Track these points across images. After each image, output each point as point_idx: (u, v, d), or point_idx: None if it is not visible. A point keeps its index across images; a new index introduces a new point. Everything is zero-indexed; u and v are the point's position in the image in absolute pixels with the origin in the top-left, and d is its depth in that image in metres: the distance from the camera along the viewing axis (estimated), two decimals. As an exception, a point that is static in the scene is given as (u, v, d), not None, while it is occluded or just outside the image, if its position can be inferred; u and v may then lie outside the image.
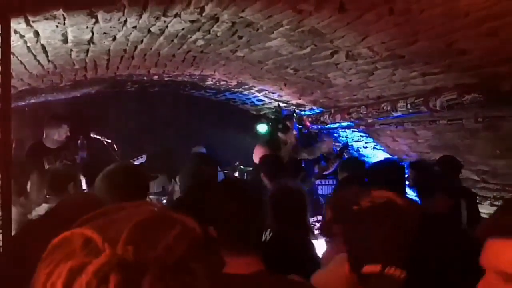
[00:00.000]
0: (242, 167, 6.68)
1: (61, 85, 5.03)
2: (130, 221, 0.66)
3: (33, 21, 2.41)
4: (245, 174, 6.69)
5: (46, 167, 5.05)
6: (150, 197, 5.52)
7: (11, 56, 3.11)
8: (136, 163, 5.62)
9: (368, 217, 1.34)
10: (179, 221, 0.70)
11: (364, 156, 6.52)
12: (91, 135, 5.57)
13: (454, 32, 2.60)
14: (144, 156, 5.75)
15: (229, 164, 6.72)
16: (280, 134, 5.60)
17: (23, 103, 5.65)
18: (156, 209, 0.75)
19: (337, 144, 6.92)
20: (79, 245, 0.63)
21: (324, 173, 5.68)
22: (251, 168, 6.74)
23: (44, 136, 5.25)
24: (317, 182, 5.92)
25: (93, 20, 2.68)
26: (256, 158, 5.13)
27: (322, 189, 6.00)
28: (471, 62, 2.95)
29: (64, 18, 2.51)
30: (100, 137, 5.55)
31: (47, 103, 6.10)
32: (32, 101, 5.73)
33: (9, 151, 2.03)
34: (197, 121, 7.09)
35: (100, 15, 2.59)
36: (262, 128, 7.10)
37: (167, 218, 0.71)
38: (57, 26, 2.64)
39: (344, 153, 6.12)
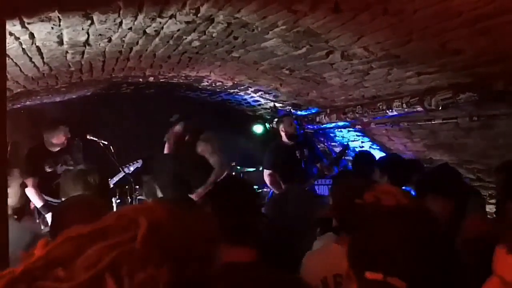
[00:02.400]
0: (238, 167, 6.68)
1: (56, 87, 5.02)
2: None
3: (28, 23, 2.41)
4: (240, 174, 6.70)
5: (48, 170, 5.05)
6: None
7: (6, 58, 3.12)
8: (131, 168, 5.62)
9: (376, 220, 1.30)
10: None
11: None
12: (87, 137, 5.57)
13: (447, 32, 2.62)
14: (140, 161, 5.76)
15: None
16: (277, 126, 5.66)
17: (19, 106, 5.64)
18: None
19: (333, 144, 6.94)
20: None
21: (325, 173, 5.67)
22: (252, 169, 6.75)
23: (45, 139, 5.23)
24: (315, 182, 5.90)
25: (89, 21, 2.69)
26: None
27: (319, 189, 6.00)
28: (465, 61, 2.97)
29: (60, 20, 2.51)
30: (96, 139, 5.54)
31: (43, 106, 6.09)
32: (28, 103, 5.72)
33: (4, 154, 2.03)
34: (193, 121, 7.08)
35: (96, 16, 2.60)
36: (258, 128, 7.13)
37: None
38: (52, 28, 2.64)
39: (344, 155, 6.11)
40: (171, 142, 5.02)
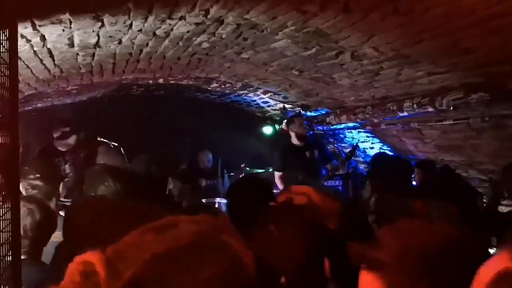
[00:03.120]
0: (248, 168, 6.68)
1: (67, 89, 5.06)
2: (149, 251, 0.60)
3: (39, 26, 2.43)
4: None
5: None
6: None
7: (18, 60, 3.14)
8: None
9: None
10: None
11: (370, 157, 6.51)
12: (98, 138, 5.60)
13: (459, 31, 2.60)
14: None
15: (235, 166, 6.73)
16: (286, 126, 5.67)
17: (30, 108, 5.68)
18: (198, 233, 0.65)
19: (343, 145, 6.92)
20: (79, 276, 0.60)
21: (336, 173, 5.65)
22: (262, 170, 6.75)
23: (54, 139, 5.29)
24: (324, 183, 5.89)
25: (99, 23, 2.70)
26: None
27: (328, 190, 5.97)
28: (476, 61, 2.94)
29: (70, 22, 2.52)
30: (106, 141, 5.57)
31: (54, 107, 6.13)
32: (39, 105, 5.76)
33: (16, 156, 2.04)
34: (203, 123, 7.11)
35: (106, 18, 2.61)
36: (267, 130, 7.13)
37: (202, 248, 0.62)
38: (63, 30, 2.65)
39: (353, 155, 6.10)
40: None
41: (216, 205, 5.52)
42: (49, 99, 5.54)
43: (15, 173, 2.07)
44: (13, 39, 2.04)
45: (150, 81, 5.65)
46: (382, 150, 6.17)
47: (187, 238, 0.64)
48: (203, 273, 0.59)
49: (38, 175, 2.96)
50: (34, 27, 2.43)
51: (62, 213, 2.91)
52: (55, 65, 3.66)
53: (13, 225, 1.99)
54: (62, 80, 4.44)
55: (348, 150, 6.42)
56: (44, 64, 3.54)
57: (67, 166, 5.17)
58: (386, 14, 2.63)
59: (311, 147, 5.51)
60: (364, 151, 6.60)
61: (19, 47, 2.75)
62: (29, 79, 3.89)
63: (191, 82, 5.83)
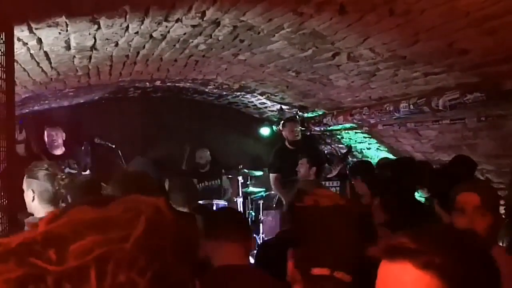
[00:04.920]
0: (245, 170, 6.68)
1: (64, 91, 5.05)
2: None
3: (36, 29, 2.43)
4: (249, 177, 6.70)
5: (47, 173, 5.06)
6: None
7: (15, 63, 3.15)
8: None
9: (315, 218, 1.36)
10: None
11: (368, 157, 6.52)
12: (95, 140, 5.60)
13: (454, 32, 2.61)
14: None
15: (233, 167, 6.74)
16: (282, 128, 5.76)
17: (27, 110, 5.68)
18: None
19: (340, 146, 6.93)
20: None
21: (328, 176, 5.69)
22: (260, 172, 6.77)
23: (45, 140, 5.28)
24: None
25: (96, 26, 2.70)
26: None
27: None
28: (472, 61, 2.96)
29: (67, 25, 2.53)
30: (104, 143, 5.57)
31: (51, 110, 6.13)
32: (36, 108, 5.76)
33: (14, 158, 2.05)
34: (200, 125, 7.11)
35: (102, 21, 2.61)
36: (265, 131, 7.14)
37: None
38: (59, 33, 2.65)
39: (348, 156, 6.14)
40: None
41: (214, 207, 5.52)
42: (46, 101, 5.54)
43: (12, 173, 2.07)
44: (9, 43, 2.05)
45: (147, 83, 5.65)
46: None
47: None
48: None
49: None
50: (30, 30, 2.43)
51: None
52: (51, 67, 3.66)
53: (8, 224, 1.99)
54: (59, 82, 4.44)
55: (344, 151, 6.45)
56: (41, 67, 3.55)
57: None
58: (382, 15, 2.64)
59: (304, 149, 5.56)
60: (361, 152, 6.62)
61: (15, 50, 2.75)
62: (26, 81, 3.90)
63: (188, 84, 5.83)
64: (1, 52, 1.97)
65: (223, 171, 6.65)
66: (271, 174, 5.71)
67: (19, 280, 0.54)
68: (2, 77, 1.99)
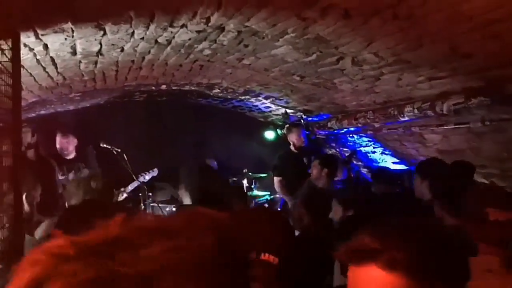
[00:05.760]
0: (250, 173, 6.70)
1: (70, 96, 5.09)
2: None
3: (42, 35, 2.45)
4: (252, 180, 6.71)
5: (60, 178, 5.09)
6: (160, 205, 5.57)
7: (21, 69, 3.17)
8: (147, 177, 5.67)
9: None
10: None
11: (373, 161, 6.52)
12: (101, 145, 5.62)
13: (458, 36, 2.62)
14: (156, 170, 5.82)
15: (238, 171, 6.75)
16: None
17: (33, 115, 5.71)
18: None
19: (345, 150, 6.93)
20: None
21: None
22: (264, 175, 6.78)
23: (57, 147, 5.31)
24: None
25: (101, 32, 2.72)
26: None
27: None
28: (476, 65, 2.96)
29: (73, 31, 2.55)
30: (109, 147, 5.59)
31: (57, 114, 6.17)
32: (42, 112, 5.79)
33: (19, 162, 2.07)
34: (205, 129, 7.14)
35: (108, 27, 2.63)
36: (269, 134, 7.15)
37: None
38: (65, 39, 2.68)
39: (352, 159, 6.15)
40: None
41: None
42: (52, 106, 5.57)
43: (17, 178, 2.09)
44: (16, 49, 2.07)
45: (153, 87, 5.68)
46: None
47: None
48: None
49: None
50: (37, 36, 2.46)
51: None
52: (58, 72, 3.69)
53: (14, 233, 2.01)
54: (65, 87, 4.47)
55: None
56: (47, 72, 3.57)
57: (71, 174, 5.19)
58: (385, 20, 2.65)
59: (309, 153, 5.58)
60: (366, 155, 6.61)
61: (22, 55, 2.78)
62: (32, 86, 3.92)
63: (193, 88, 5.85)
64: (7, 58, 2.00)
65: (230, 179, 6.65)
66: (275, 178, 5.72)
67: (93, 281, 0.55)
68: (9, 83, 2.01)
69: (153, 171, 5.78)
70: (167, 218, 0.69)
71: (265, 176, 6.79)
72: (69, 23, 2.39)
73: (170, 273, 0.58)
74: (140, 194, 5.70)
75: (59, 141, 5.30)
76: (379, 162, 6.39)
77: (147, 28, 2.86)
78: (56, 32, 2.47)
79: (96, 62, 3.66)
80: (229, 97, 6.31)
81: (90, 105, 6.35)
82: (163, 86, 5.63)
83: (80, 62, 3.53)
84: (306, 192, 4.52)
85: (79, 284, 0.55)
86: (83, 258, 0.57)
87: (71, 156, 5.28)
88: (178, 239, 0.62)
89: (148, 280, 0.57)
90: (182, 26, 2.92)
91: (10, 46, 2.01)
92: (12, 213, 2.01)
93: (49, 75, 3.70)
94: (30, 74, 3.45)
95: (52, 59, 3.20)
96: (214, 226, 0.67)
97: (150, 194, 5.60)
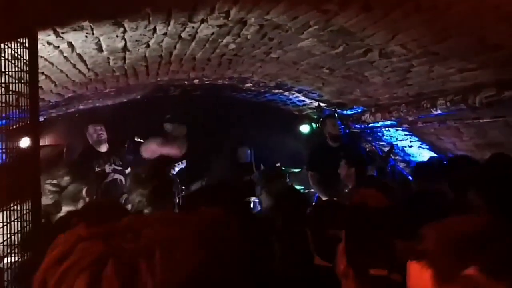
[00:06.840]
0: (283, 167, 6.66)
1: (105, 91, 5.20)
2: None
3: (62, 32, 2.51)
4: (287, 174, 6.67)
5: (97, 170, 5.24)
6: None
7: (51, 66, 3.27)
8: (176, 168, 5.72)
9: (367, 221, 1.36)
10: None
11: (410, 155, 6.35)
12: (135, 139, 5.73)
13: (485, 27, 2.50)
14: (185, 162, 5.86)
15: (271, 165, 6.72)
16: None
17: (72, 110, 5.89)
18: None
19: (381, 144, 6.78)
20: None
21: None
22: (298, 169, 6.73)
23: (92, 139, 5.45)
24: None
25: (121, 29, 2.76)
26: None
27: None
28: (506, 57, 2.82)
29: (92, 28, 2.60)
30: (144, 141, 5.70)
31: (95, 109, 6.33)
32: (81, 107, 5.96)
33: (37, 160, 2.13)
34: (239, 122, 7.14)
35: (126, 24, 2.67)
36: (304, 128, 7.08)
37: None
38: (86, 36, 2.73)
39: (391, 155, 5.96)
40: None
41: (251, 205, 5.53)
42: (90, 100, 5.72)
43: (35, 176, 2.15)
44: (32, 48, 2.12)
45: (186, 82, 5.73)
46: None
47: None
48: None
49: (67, 178, 3.06)
50: (57, 34, 2.52)
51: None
52: (88, 69, 3.78)
53: (32, 226, 2.07)
54: (98, 82, 4.58)
55: (386, 149, 6.30)
56: (77, 69, 3.66)
57: (106, 166, 5.33)
58: (408, 12, 2.57)
59: (346, 148, 5.42)
60: (403, 150, 6.44)
61: (48, 53, 2.86)
62: (65, 82, 4.03)
63: (225, 82, 5.87)
64: (24, 57, 2.05)
65: (261, 165, 6.61)
66: (309, 172, 5.63)
67: (101, 254, 0.75)
68: (26, 81, 2.06)
69: (181, 163, 5.82)
70: (169, 213, 0.94)
71: (299, 171, 6.73)
72: (87, 21, 2.44)
73: (163, 246, 0.75)
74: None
75: (92, 130, 5.44)
76: (416, 157, 6.22)
77: (167, 24, 2.88)
78: (75, 30, 2.52)
79: (124, 58, 3.72)
80: (262, 90, 6.29)
81: (127, 100, 6.48)
82: (196, 81, 5.67)
83: (108, 58, 3.59)
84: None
85: (91, 255, 0.74)
86: (94, 239, 0.78)
87: (104, 147, 5.40)
88: (173, 227, 0.81)
89: (146, 252, 0.74)
90: (203, 21, 2.93)
91: (27, 45, 2.07)
92: (29, 208, 2.07)
93: (80, 71, 3.79)
94: (61, 70, 3.55)
95: (80, 55, 3.27)
96: (206, 219, 0.86)
97: (183, 187, 5.66)
